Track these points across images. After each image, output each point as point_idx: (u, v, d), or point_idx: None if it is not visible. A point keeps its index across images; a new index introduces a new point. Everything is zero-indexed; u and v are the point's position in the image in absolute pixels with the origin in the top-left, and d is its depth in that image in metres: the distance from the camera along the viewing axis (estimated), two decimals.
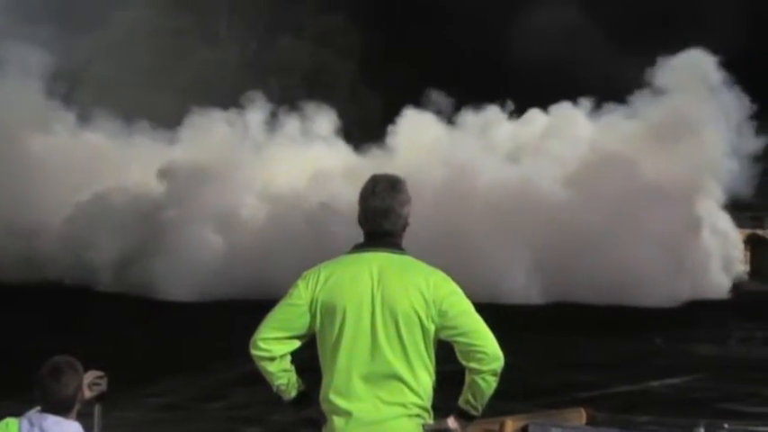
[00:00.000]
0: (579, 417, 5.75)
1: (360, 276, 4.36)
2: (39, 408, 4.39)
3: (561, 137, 24.56)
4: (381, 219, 4.40)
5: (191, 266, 21.97)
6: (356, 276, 4.36)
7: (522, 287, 21.29)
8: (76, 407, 4.46)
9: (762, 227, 28.19)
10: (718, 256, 24.35)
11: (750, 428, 10.16)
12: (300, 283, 4.40)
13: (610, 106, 25.04)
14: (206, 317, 18.78)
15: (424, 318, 4.30)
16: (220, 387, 12.29)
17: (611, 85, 25.15)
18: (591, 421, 5.82)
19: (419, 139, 24.54)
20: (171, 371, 13.14)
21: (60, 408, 4.37)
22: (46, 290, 22.53)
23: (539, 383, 12.38)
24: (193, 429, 10.69)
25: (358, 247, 4.45)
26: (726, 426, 5.54)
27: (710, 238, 24.23)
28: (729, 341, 17.13)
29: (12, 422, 4.37)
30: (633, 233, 22.00)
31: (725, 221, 25.25)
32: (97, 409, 5.12)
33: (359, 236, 4.46)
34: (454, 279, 4.43)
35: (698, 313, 19.96)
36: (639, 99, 24.67)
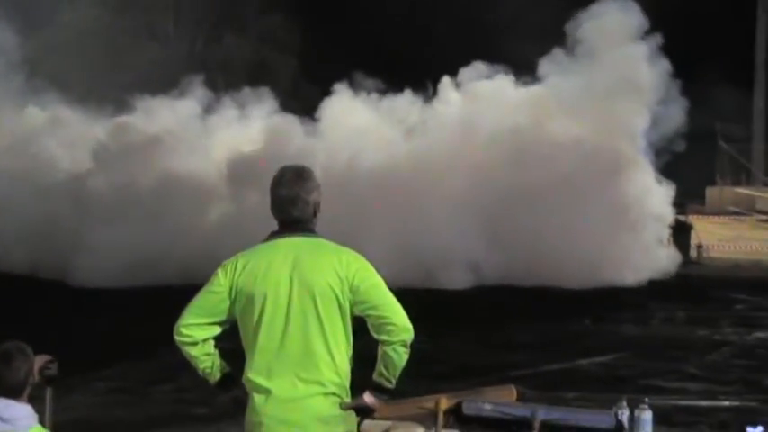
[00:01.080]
0: (510, 394, 5.83)
1: (275, 261, 4.44)
2: None
3: (479, 112, 23.47)
4: (290, 206, 4.50)
5: (119, 251, 20.98)
6: (272, 262, 4.44)
7: (458, 272, 20.85)
8: (27, 391, 4.47)
9: (684, 213, 28.38)
10: (657, 235, 23.89)
11: (669, 402, 10.37)
12: (220, 272, 4.49)
13: (528, 75, 24.00)
14: (141, 302, 18.36)
15: (339, 294, 4.38)
16: (167, 371, 12.22)
17: (527, 51, 24.18)
18: (521, 398, 5.91)
19: (348, 119, 24.12)
20: (115, 356, 13.06)
21: (11, 392, 4.37)
22: None
23: (473, 364, 12.46)
24: (143, 412, 10.65)
25: (273, 235, 4.54)
26: (646, 400, 5.64)
27: (649, 217, 23.54)
28: (653, 321, 17.32)
29: None
30: (568, 213, 21.33)
31: (662, 199, 24.49)
32: (48, 392, 5.11)
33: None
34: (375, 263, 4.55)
35: (625, 294, 20.11)
36: (556, 64, 23.65)
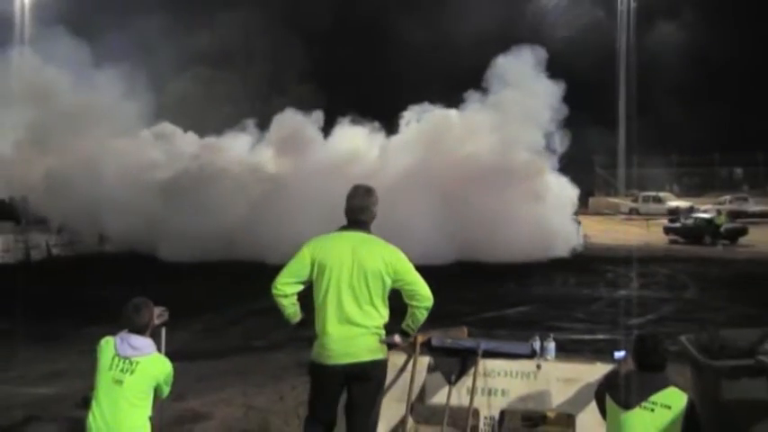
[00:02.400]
0: (463, 332, 5.83)
1: (342, 246, 4.49)
2: (127, 330, 4.41)
3: (425, 136, 22.50)
4: (359, 212, 4.57)
5: (197, 234, 20.46)
6: (339, 246, 4.49)
7: (429, 252, 20.19)
8: (149, 330, 4.49)
9: (575, 214, 28.05)
10: (567, 224, 23.25)
11: (565, 337, 10.39)
12: (304, 248, 4.54)
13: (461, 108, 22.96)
14: (213, 273, 18.12)
15: (384, 273, 4.46)
16: (237, 318, 12.21)
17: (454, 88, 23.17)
18: (470, 334, 5.90)
19: (343, 142, 24.09)
20: (202, 309, 13.00)
21: (139, 330, 4.42)
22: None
23: (436, 313, 12.42)
24: (222, 344, 10.66)
25: (342, 228, 4.61)
26: (551, 335, 5.64)
27: (558, 210, 22.65)
28: (555, 284, 17.30)
29: (110, 339, 4.43)
30: (498, 208, 20.73)
31: (569, 197, 23.79)
32: (163, 331, 5.12)
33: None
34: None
35: (537, 266, 20.05)
36: (481, 98, 22.48)
